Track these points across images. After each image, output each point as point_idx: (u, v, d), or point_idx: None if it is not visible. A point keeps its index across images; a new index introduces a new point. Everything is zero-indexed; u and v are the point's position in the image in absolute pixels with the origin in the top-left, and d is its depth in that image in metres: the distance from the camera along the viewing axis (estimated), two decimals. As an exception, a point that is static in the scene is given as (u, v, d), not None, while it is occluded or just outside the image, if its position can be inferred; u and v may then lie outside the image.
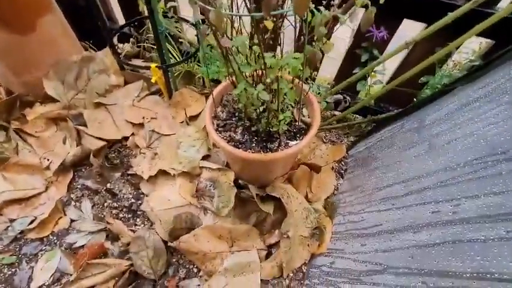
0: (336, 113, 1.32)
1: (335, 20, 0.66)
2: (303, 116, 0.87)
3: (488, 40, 0.94)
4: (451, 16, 0.74)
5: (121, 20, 1.55)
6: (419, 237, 0.57)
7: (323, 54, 0.65)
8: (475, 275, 0.42)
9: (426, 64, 0.85)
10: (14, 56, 1.03)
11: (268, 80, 0.59)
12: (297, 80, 0.77)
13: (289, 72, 0.69)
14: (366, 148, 1.09)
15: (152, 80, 1.15)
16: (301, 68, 0.63)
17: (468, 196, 0.53)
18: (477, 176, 0.53)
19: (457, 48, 0.96)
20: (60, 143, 1.09)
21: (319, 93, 1.18)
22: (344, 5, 0.92)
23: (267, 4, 0.46)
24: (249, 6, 0.56)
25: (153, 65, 1.11)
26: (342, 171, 1.13)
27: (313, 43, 0.61)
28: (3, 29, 0.94)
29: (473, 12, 0.74)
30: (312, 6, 0.59)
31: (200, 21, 0.68)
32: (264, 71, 0.59)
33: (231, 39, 0.61)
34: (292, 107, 0.81)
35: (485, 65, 0.78)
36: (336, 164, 1.15)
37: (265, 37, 0.66)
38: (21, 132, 1.11)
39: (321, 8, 0.55)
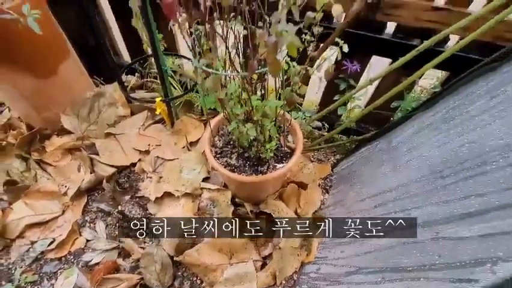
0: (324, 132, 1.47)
1: (312, 61, 0.83)
2: (289, 142, 1.01)
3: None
4: (405, 58, 0.91)
5: (125, 53, 1.72)
6: (382, 241, 0.70)
7: (301, 95, 0.80)
8: (415, 267, 0.55)
9: (393, 93, 1.00)
10: (38, 97, 1.18)
11: (255, 118, 0.74)
12: (282, 111, 0.92)
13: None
14: (347, 166, 1.23)
15: (157, 112, 1.31)
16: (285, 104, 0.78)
17: (416, 207, 0.66)
18: (422, 190, 0.67)
19: (420, 77, 1.12)
20: (75, 170, 1.23)
21: (304, 118, 1.34)
22: (321, 46, 1.09)
23: (251, 67, 0.62)
24: (238, 62, 0.72)
25: (158, 99, 1.27)
26: (328, 187, 1.26)
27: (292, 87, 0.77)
28: (30, 74, 1.10)
29: (428, 49, 0.89)
30: (288, 59, 0.75)
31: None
32: (252, 111, 0.75)
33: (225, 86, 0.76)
34: (279, 134, 0.96)
35: (436, 95, 0.94)
36: (322, 181, 1.29)
37: (253, 82, 0.82)
38: (41, 162, 1.25)
39: (295, 64, 0.71)
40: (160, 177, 1.25)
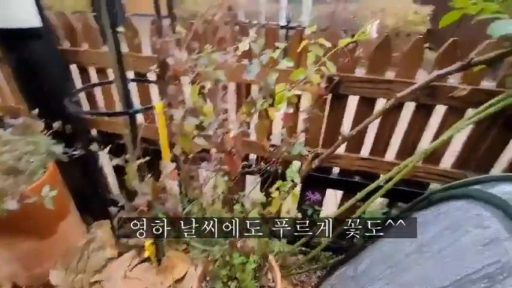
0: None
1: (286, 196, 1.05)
2: (269, 279, 1.14)
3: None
4: (350, 203, 1.18)
5: (115, 187, 1.86)
6: None
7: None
8: None
9: (351, 218, 1.22)
10: (32, 257, 1.26)
11: (238, 276, 0.89)
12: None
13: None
14: (326, 291, 1.32)
15: (146, 255, 1.41)
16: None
17: None
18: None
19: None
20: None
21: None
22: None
23: (233, 244, 0.82)
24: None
25: (147, 243, 1.39)
26: (313, 316, 1.31)
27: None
28: (31, 238, 1.21)
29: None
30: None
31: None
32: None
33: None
34: (258, 276, 1.09)
35: (379, 230, 1.16)
36: (307, 309, 1.34)
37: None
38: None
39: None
40: (146, 328, 1.23)
